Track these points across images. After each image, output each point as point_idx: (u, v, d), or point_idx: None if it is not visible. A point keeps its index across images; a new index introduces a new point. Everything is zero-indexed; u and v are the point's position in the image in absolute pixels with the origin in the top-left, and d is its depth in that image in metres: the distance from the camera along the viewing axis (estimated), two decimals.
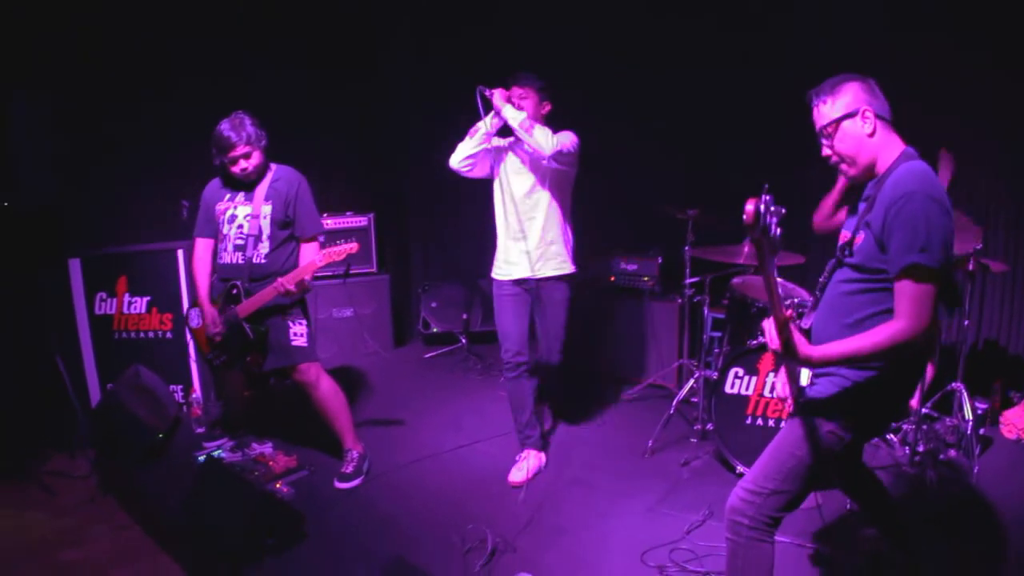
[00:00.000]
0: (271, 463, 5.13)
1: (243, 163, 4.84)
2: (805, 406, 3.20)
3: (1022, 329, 6.17)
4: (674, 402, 5.91)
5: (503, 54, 7.10)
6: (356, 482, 5.07)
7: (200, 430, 5.74)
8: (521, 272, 5.14)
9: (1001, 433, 5.70)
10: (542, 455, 5.40)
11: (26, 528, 4.75)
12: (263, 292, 4.83)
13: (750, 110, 6.72)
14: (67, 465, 5.48)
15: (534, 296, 5.21)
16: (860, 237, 3.09)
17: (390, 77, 8.25)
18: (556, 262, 5.18)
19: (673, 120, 7.21)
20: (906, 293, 2.86)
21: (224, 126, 4.81)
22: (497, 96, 4.87)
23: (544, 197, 5.12)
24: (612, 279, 7.08)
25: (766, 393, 5.06)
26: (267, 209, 4.93)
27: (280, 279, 4.74)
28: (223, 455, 5.27)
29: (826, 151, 3.21)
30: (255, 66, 7.03)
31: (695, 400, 5.99)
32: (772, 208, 2.56)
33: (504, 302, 5.23)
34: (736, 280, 5.85)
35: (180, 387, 6.19)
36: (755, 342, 5.13)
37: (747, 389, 5.11)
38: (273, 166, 5.04)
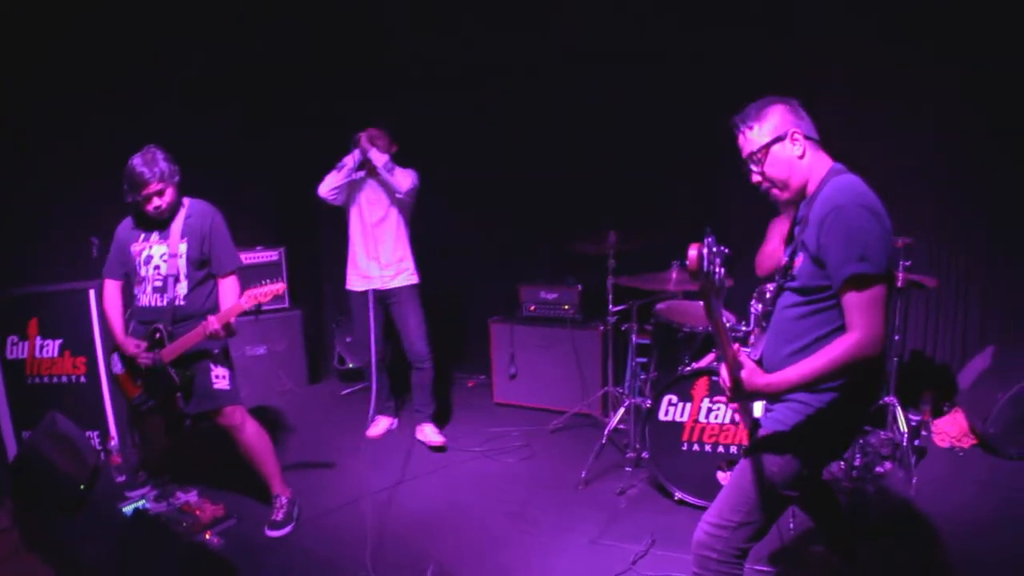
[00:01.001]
0: (198, 512, 4.90)
1: (156, 200, 4.62)
2: (765, 438, 3.15)
3: (947, 339, 6.31)
4: (605, 431, 5.86)
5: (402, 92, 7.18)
6: (287, 529, 4.90)
7: (121, 478, 5.48)
8: (375, 284, 6.18)
9: (934, 442, 5.87)
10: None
11: None
12: (188, 335, 4.62)
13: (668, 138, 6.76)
14: None
15: (388, 303, 6.30)
16: (799, 260, 3.07)
17: (301, 109, 8.09)
18: (406, 275, 6.23)
19: (588, 147, 7.23)
20: (853, 304, 2.84)
21: (136, 161, 4.57)
22: (364, 139, 5.85)
23: (393, 222, 6.16)
24: (532, 309, 7.02)
25: (701, 419, 5.05)
26: (183, 247, 4.73)
27: (209, 320, 4.55)
28: (148, 506, 5.04)
29: (756, 177, 3.18)
30: (162, 98, 6.79)
31: (623, 427, 5.95)
32: (715, 250, 2.52)
33: (365, 310, 6.25)
34: (660, 305, 5.86)
35: (96, 433, 5.92)
36: (688, 369, 5.12)
37: (682, 415, 5.10)
38: (186, 201, 4.83)
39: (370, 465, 5.89)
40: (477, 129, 7.47)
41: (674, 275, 5.67)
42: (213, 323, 4.54)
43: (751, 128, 3.13)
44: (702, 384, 5.04)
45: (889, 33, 5.97)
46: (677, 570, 4.38)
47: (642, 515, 5.06)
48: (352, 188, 6.12)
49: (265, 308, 7.12)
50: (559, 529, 4.94)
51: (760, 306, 5.16)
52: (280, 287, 4.68)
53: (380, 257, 6.14)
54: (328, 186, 5.98)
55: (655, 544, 4.64)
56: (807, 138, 3.09)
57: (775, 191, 3.18)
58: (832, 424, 3.07)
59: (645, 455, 5.31)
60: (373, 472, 5.76)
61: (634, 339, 6.04)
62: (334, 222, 8.05)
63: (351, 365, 7.97)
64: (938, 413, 6.03)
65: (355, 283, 6.29)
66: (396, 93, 7.71)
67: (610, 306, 6.03)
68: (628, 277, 5.88)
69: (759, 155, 3.11)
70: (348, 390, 7.82)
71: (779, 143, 3.08)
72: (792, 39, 6.27)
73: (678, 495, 5.13)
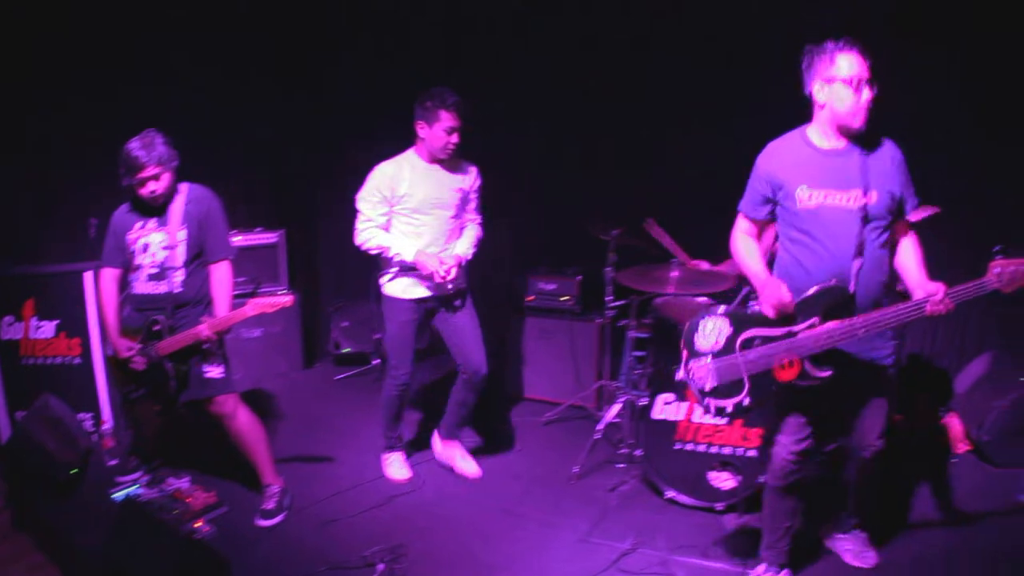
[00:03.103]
0: (189, 499, 4.90)
1: (152, 185, 4.60)
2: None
3: (945, 344, 6.31)
4: (599, 426, 5.85)
5: (429, 69, 7.05)
6: (279, 518, 4.90)
7: (113, 462, 5.48)
8: (439, 289, 5.25)
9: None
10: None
11: None
12: (185, 334, 4.63)
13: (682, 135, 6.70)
14: None
15: (440, 311, 5.39)
16: (873, 197, 3.71)
17: (312, 89, 8.05)
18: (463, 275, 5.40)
19: (597, 140, 7.13)
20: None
21: (134, 145, 4.55)
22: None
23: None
24: (531, 299, 6.98)
25: (696, 418, 5.05)
26: (182, 235, 4.72)
27: (202, 327, 4.57)
28: (140, 491, 5.05)
29: (871, 95, 3.64)
30: (164, 76, 6.76)
31: (618, 421, 5.93)
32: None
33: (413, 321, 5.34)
34: (659, 300, 5.82)
35: (90, 415, 5.93)
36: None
37: (677, 415, 5.09)
38: (184, 186, 4.81)
39: (363, 453, 5.87)
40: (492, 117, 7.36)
41: (674, 274, 5.64)
42: (203, 331, 4.57)
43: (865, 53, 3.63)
44: None
45: None
46: (662, 569, 4.43)
47: (632, 513, 5.06)
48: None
49: (262, 291, 7.18)
50: (550, 525, 4.94)
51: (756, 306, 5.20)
52: (289, 300, 4.74)
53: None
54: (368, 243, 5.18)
55: (641, 544, 4.64)
56: None
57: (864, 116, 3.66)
58: None
59: (638, 452, 5.32)
60: (366, 461, 5.74)
61: (633, 334, 6.01)
62: (331, 207, 8.05)
63: (347, 350, 7.96)
64: (934, 418, 6.01)
65: (413, 289, 5.26)
66: (404, 74, 7.63)
67: (609, 300, 6.01)
68: (628, 271, 5.83)
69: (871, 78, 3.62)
70: (342, 375, 7.81)
71: None
72: None
73: (669, 494, 5.14)
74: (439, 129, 4.94)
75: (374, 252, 5.15)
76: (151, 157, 4.54)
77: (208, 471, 5.39)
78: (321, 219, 8.34)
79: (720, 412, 3.88)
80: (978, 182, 5.79)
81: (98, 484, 5.23)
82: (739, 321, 3.84)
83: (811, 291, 3.67)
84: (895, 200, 3.76)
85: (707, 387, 3.88)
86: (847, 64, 3.58)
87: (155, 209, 4.73)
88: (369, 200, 5.11)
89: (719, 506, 5.04)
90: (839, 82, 3.59)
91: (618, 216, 5.97)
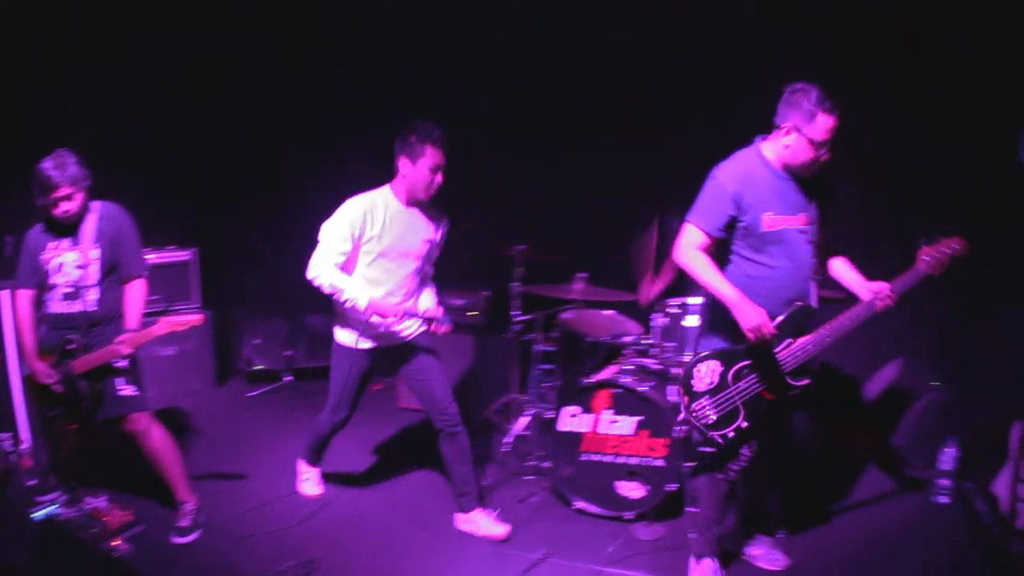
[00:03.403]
0: (107, 518, 4.88)
1: (65, 205, 4.62)
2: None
3: (857, 351, 6.40)
4: (507, 439, 5.99)
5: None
6: (194, 536, 4.93)
7: (32, 482, 5.46)
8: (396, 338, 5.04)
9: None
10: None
11: None
12: (99, 352, 4.66)
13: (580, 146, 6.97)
14: None
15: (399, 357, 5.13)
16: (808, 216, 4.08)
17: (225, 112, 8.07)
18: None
19: (497, 159, 7.31)
20: None
21: (47, 165, 4.57)
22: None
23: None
24: None
25: (602, 430, 5.22)
26: (95, 253, 4.75)
27: (119, 345, 4.61)
28: (59, 511, 5.04)
29: (826, 156, 3.96)
30: (79, 94, 6.74)
31: (526, 433, 6.05)
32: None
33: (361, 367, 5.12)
34: (566, 315, 5.97)
35: (8, 435, 5.85)
36: (589, 381, 5.30)
37: (583, 426, 5.26)
38: (97, 204, 4.82)
39: (277, 470, 5.90)
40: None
41: (578, 287, 5.79)
42: (123, 348, 4.62)
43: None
44: (604, 396, 5.20)
45: None
46: None
47: (542, 524, 5.19)
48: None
49: (174, 308, 7.16)
50: (460, 537, 5.06)
51: (666, 319, 5.39)
52: (199, 319, 4.81)
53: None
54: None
55: (552, 554, 4.78)
56: None
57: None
58: None
59: (545, 464, 5.47)
60: (280, 477, 5.77)
61: (540, 347, 6.11)
62: (245, 223, 8.08)
63: (259, 367, 7.98)
64: (843, 422, 6.17)
65: (363, 341, 5.00)
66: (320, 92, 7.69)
67: (516, 314, 6.08)
68: (535, 286, 5.97)
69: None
70: (255, 392, 7.84)
71: None
72: None
73: (578, 504, 5.30)
74: (423, 167, 4.65)
75: (325, 291, 4.72)
76: (64, 177, 4.57)
77: (125, 489, 5.40)
78: (231, 236, 8.33)
79: (724, 440, 4.16)
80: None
81: (17, 504, 5.18)
82: (728, 357, 4.14)
83: (781, 318, 4.01)
84: (822, 211, 4.15)
85: (710, 422, 4.15)
86: (824, 129, 3.87)
87: (68, 228, 4.74)
88: (336, 233, 4.69)
89: (628, 515, 5.19)
90: (808, 140, 3.89)
91: (526, 231, 6.14)
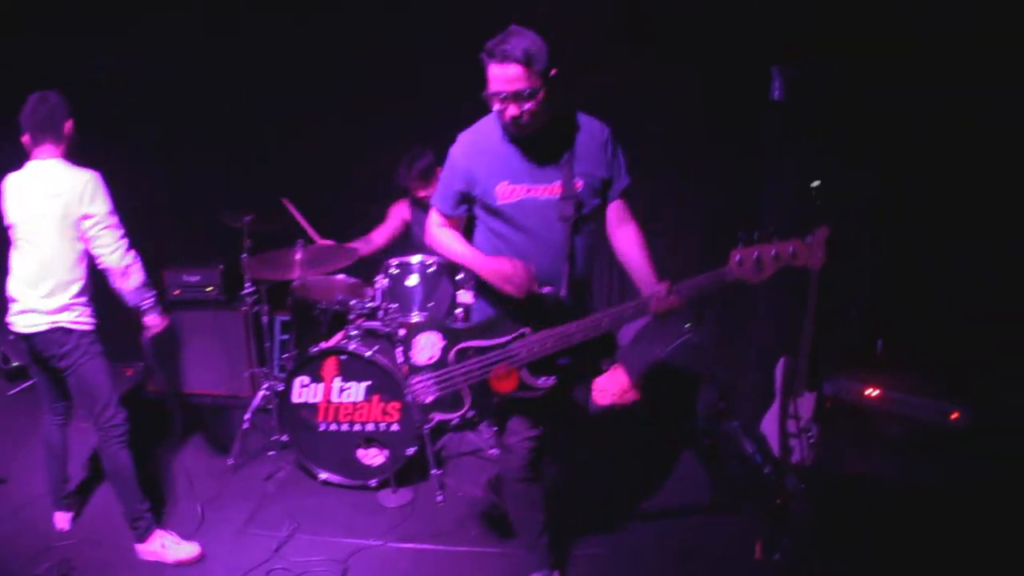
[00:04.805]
0: None
1: None
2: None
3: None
4: (247, 415, 5.77)
5: None
6: None
7: None
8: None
9: (594, 400, 5.90)
10: None
11: None
12: None
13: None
14: None
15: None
16: (579, 185, 3.54)
17: None
18: None
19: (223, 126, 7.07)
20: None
21: None
22: None
23: None
24: (176, 293, 6.80)
25: (335, 399, 5.17)
26: None
27: None
28: None
29: (516, 111, 3.38)
30: None
31: (270, 407, 5.84)
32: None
33: None
34: (297, 283, 5.83)
35: None
36: (315, 349, 5.23)
37: (315, 396, 5.21)
38: None
39: (34, 470, 5.39)
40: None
41: (298, 255, 5.56)
42: None
43: (531, 64, 3.29)
44: (331, 364, 5.16)
45: None
46: (323, 552, 4.55)
47: (289, 500, 5.15)
48: None
49: None
50: (206, 521, 4.93)
51: (387, 281, 5.32)
52: None
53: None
54: None
55: (299, 529, 4.76)
56: None
57: (528, 125, 3.43)
58: None
59: (284, 438, 5.38)
60: (36, 475, 5.28)
61: (272, 318, 6.00)
62: None
63: (17, 363, 7.52)
64: (598, 372, 5.88)
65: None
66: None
67: (245, 286, 5.88)
68: (256, 257, 5.73)
69: (539, 91, 3.35)
70: (15, 389, 7.32)
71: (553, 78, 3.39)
72: None
73: (323, 476, 5.27)
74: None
75: None
76: None
77: None
78: None
79: (446, 425, 3.91)
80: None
81: None
82: (451, 334, 3.68)
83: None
84: (602, 182, 3.65)
85: (428, 401, 3.71)
86: (491, 78, 3.38)
87: None
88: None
89: (373, 483, 5.21)
90: (488, 95, 3.43)
91: (250, 202, 5.92)
